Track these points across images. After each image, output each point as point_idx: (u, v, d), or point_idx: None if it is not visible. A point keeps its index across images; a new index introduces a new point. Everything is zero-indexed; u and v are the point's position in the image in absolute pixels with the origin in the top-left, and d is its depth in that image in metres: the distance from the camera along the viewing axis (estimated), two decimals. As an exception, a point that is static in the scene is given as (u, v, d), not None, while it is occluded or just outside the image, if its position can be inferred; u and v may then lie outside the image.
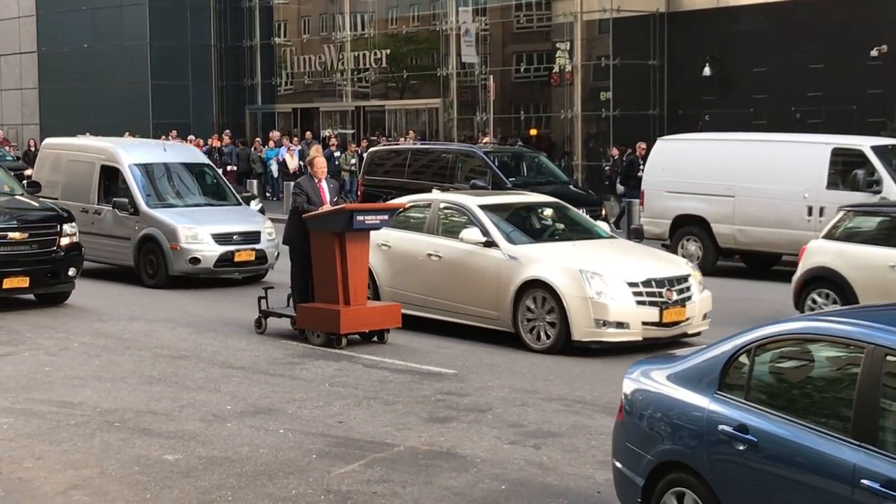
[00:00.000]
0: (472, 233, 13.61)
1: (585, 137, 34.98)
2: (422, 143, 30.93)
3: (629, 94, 32.96)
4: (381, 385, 11.40)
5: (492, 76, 33.94)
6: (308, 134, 37.59)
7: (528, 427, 9.83)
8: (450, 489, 8.14)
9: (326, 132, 39.20)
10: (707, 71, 31.11)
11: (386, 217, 13.41)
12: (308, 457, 8.91)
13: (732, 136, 21.16)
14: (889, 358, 5.40)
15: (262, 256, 18.34)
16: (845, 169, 18.38)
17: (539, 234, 14.40)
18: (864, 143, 18.67)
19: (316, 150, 15.61)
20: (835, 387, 5.88)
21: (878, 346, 5.46)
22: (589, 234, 14.38)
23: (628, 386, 6.83)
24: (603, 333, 12.64)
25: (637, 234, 20.54)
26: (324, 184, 13.92)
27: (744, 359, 6.18)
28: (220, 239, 18.05)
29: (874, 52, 28.07)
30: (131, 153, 19.23)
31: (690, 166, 19.84)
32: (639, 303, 12.64)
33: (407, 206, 14.91)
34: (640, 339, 12.66)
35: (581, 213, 15.59)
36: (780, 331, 6.12)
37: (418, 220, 14.69)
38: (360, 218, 12.99)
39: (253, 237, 18.35)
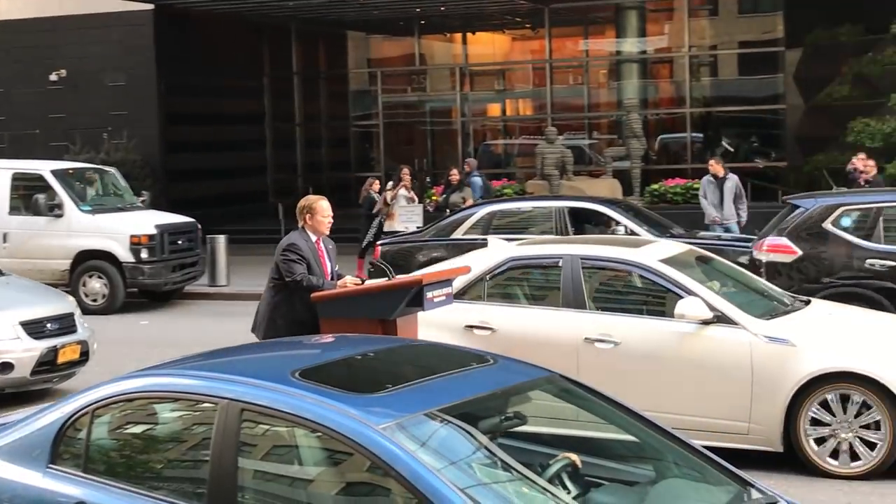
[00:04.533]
0: (693, 306, 8.84)
1: None
2: None
3: None
4: None
5: None
6: None
7: None
8: None
9: None
10: None
11: (451, 290, 9.02)
12: None
13: None
14: (246, 413, 4.89)
15: (85, 352, 12.07)
16: (28, 193, 18.34)
17: (746, 301, 9.48)
18: (43, 168, 18.80)
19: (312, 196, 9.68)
20: (190, 450, 5.21)
21: (233, 401, 4.92)
22: (768, 294, 9.92)
23: None
24: None
25: None
26: (322, 244, 9.29)
27: (81, 424, 5.25)
28: (33, 330, 11.59)
29: (54, 77, 28.28)
30: None
31: None
32: None
33: (499, 267, 9.81)
34: None
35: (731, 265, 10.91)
36: (122, 389, 5.30)
37: (538, 287, 10.00)
38: (430, 295, 8.60)
39: (68, 324, 12.05)
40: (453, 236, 15.99)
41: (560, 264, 9.53)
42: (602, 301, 9.57)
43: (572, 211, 15.87)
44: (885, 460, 8.41)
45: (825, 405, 8.51)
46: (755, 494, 4.84)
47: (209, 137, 29.37)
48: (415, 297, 8.46)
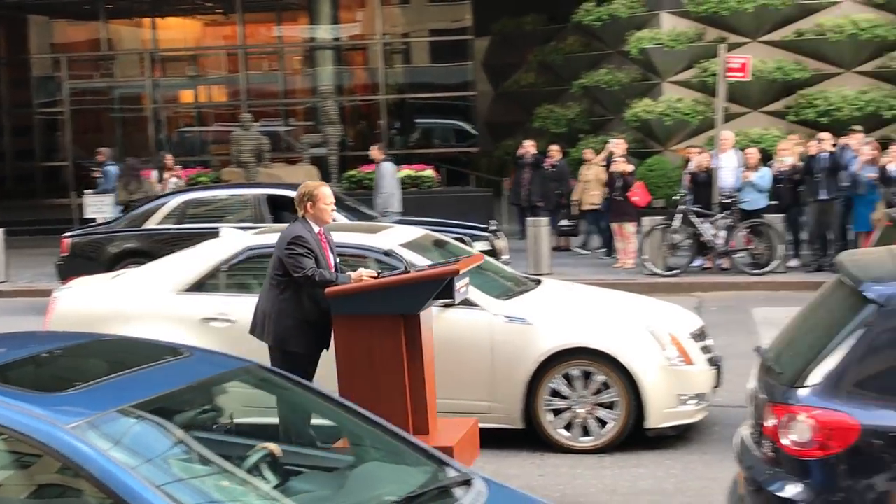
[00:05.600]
0: None
1: None
2: None
3: None
4: None
5: None
6: None
7: None
8: None
9: None
10: None
11: (468, 280, 8.24)
12: None
13: None
14: None
15: None
16: None
17: (483, 282, 9.40)
18: None
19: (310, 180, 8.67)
20: None
21: None
22: (503, 275, 10.14)
23: None
24: (682, 413, 8.94)
25: None
26: (324, 234, 8.36)
27: None
28: None
29: None
30: None
31: None
32: (709, 363, 9.18)
33: (236, 256, 9.49)
34: (705, 414, 9.26)
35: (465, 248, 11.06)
36: None
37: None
38: (459, 285, 7.80)
39: None
40: (146, 226, 15.61)
41: None
42: None
43: (270, 198, 15.77)
44: (612, 439, 8.81)
45: (569, 380, 8.83)
46: (451, 473, 4.97)
47: None
48: (443, 289, 7.74)
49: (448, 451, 7.17)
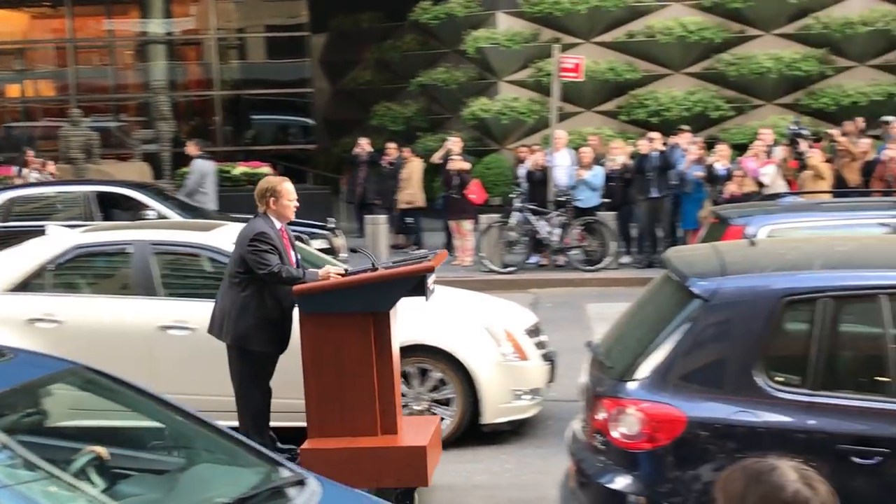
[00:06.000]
0: None
1: None
2: None
3: None
4: None
5: None
6: None
7: None
8: None
9: None
10: None
11: (434, 277, 7.81)
12: None
13: None
14: None
15: None
16: None
17: None
18: None
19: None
20: None
21: None
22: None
23: None
24: (517, 408, 9.07)
25: None
26: (286, 231, 8.15)
27: None
28: None
29: None
30: None
31: None
32: (544, 358, 9.38)
33: (63, 255, 9.34)
34: (540, 408, 9.35)
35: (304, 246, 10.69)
36: None
37: (107, 275, 9.60)
38: (429, 282, 7.54)
39: None
40: (-30, 225, 15.06)
41: (129, 250, 9.29)
42: (175, 287, 9.28)
43: (100, 195, 15.41)
44: (448, 435, 8.75)
45: (406, 377, 8.70)
46: (284, 473, 4.92)
47: None
48: (421, 287, 7.53)
49: (421, 451, 7.32)
